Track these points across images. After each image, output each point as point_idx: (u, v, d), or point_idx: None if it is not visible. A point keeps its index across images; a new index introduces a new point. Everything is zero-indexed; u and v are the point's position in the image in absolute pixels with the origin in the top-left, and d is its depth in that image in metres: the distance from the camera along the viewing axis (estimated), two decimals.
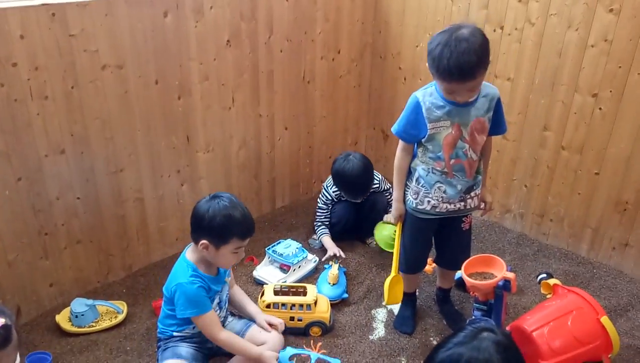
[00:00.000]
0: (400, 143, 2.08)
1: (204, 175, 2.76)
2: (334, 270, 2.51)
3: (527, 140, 2.86)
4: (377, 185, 2.91)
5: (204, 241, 1.93)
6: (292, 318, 2.25)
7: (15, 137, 2.06)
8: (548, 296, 2.43)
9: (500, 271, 2.00)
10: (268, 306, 2.24)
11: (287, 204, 3.30)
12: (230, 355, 2.08)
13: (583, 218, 2.77)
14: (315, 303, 2.26)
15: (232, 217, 1.92)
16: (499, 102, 2.00)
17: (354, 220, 2.93)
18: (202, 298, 1.94)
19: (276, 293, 2.28)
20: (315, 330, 2.27)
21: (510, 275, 1.97)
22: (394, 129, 2.06)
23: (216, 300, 2.04)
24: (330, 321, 2.29)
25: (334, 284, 2.48)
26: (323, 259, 2.77)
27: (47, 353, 2.05)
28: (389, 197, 2.88)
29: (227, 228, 1.92)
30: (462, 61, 1.74)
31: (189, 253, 2.02)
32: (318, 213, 2.94)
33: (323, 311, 2.27)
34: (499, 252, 2.81)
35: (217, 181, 2.83)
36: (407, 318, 2.35)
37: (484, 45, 1.79)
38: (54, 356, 2.07)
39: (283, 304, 2.24)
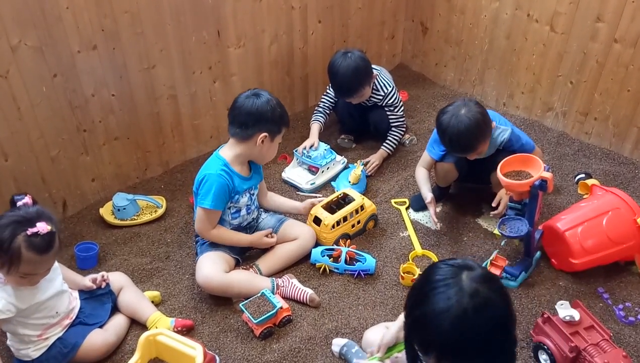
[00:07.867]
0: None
1: (236, 72, 2.71)
2: (357, 170, 2.50)
3: (577, 33, 2.67)
4: (380, 96, 2.69)
5: (264, 133, 1.97)
6: (353, 225, 2.25)
7: (47, 32, 2.04)
8: (585, 196, 2.39)
9: (538, 171, 1.95)
10: (333, 226, 2.18)
11: None
12: (265, 250, 2.16)
13: (630, 117, 2.64)
14: (362, 200, 2.27)
15: (283, 108, 2.04)
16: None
17: (358, 127, 2.85)
18: (220, 195, 1.98)
19: (330, 210, 2.24)
20: (371, 224, 2.32)
21: (548, 175, 1.92)
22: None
23: (244, 200, 2.08)
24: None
25: (353, 184, 2.48)
26: (298, 149, 2.64)
27: (94, 244, 2.18)
28: (391, 110, 2.70)
29: (284, 118, 2.03)
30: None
31: (224, 151, 2.05)
32: (319, 101, 2.87)
33: (369, 204, 2.30)
34: None
35: (249, 78, 2.78)
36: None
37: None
38: (100, 246, 2.20)
39: (344, 218, 2.21)
